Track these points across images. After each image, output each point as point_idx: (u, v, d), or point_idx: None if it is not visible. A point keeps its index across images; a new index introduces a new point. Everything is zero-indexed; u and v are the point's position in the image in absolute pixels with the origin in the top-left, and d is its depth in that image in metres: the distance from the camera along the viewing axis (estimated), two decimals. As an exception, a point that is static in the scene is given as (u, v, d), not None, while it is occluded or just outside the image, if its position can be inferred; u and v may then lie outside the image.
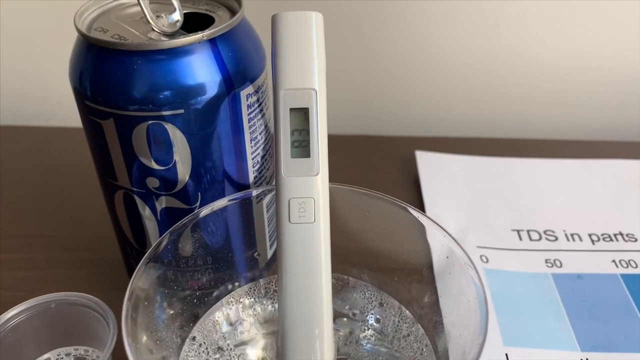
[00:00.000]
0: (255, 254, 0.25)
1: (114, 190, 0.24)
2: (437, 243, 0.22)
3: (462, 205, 0.35)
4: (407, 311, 0.23)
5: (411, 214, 0.22)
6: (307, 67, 0.19)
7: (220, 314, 0.23)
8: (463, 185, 0.36)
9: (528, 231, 0.33)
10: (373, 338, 0.22)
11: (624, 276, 0.30)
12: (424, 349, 0.22)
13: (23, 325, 0.23)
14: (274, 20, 0.20)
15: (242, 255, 0.24)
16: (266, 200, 0.25)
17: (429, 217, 0.22)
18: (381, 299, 0.23)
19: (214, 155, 0.23)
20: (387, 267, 0.23)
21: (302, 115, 0.19)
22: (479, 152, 0.39)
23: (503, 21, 0.40)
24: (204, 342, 0.22)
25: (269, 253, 0.26)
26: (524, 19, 0.40)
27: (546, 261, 0.31)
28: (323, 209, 0.20)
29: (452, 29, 0.40)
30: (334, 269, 0.20)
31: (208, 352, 0.22)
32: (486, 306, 0.19)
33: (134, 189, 0.23)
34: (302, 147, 0.19)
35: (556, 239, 0.32)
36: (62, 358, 0.25)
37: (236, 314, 0.23)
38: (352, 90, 0.43)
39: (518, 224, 0.33)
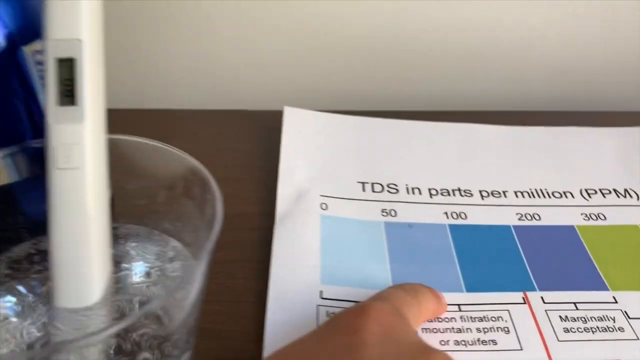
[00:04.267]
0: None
1: None
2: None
3: (316, 158, 0.35)
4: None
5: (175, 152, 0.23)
6: (74, 18, 0.20)
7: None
8: (321, 140, 0.37)
9: (372, 184, 0.34)
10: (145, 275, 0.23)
11: (452, 226, 0.31)
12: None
13: None
14: None
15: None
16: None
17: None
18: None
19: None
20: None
21: (68, 65, 0.20)
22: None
23: None
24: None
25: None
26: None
27: (382, 210, 0.32)
28: (91, 155, 0.20)
29: None
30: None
31: None
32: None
33: None
34: (68, 96, 0.20)
35: (397, 191, 0.34)
36: None
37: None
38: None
39: (364, 177, 0.34)
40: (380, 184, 0.34)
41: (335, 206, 0.32)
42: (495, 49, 0.44)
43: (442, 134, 0.38)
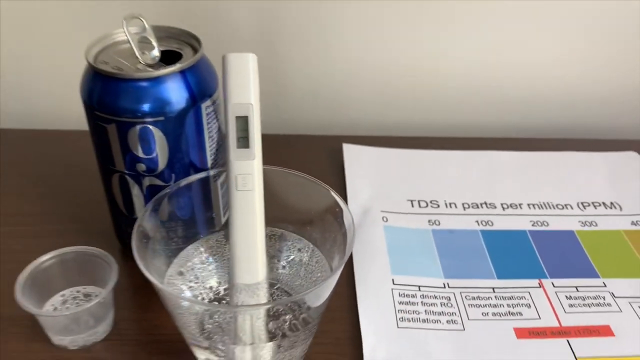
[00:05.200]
0: (213, 214, 0.35)
1: (112, 173, 0.34)
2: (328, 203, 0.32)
3: (374, 182, 0.46)
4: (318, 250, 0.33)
5: (318, 184, 0.33)
6: (245, 88, 0.30)
7: (192, 251, 0.33)
8: (375, 168, 0.47)
9: (419, 201, 0.44)
10: (293, 267, 0.33)
11: (482, 231, 0.42)
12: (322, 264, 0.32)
13: (50, 268, 0.33)
14: (224, 58, 0.30)
15: (203, 216, 0.34)
16: (220, 179, 0.35)
17: (333, 191, 0.32)
18: (299, 243, 0.34)
19: (182, 148, 0.33)
20: (302, 221, 0.34)
21: (244, 120, 0.30)
22: (392, 145, 0.50)
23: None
24: (182, 270, 0.32)
25: (222, 216, 0.36)
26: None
27: (428, 221, 0.43)
28: (258, 181, 0.30)
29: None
30: (269, 224, 0.31)
31: (183, 274, 0.32)
32: (353, 231, 0.29)
33: (127, 172, 0.33)
34: (244, 141, 0.30)
35: (438, 206, 0.44)
36: (74, 294, 0.35)
37: (201, 254, 0.34)
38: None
39: (412, 196, 0.45)
40: (425, 201, 0.44)
41: (393, 218, 0.43)
42: (511, 88, 0.55)
43: (470, 160, 0.49)
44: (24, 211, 0.42)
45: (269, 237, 0.33)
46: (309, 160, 0.49)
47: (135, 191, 0.34)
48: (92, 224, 0.41)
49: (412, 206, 0.44)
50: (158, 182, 0.34)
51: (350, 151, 0.49)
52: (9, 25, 0.50)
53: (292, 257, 0.33)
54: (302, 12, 0.50)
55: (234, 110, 0.29)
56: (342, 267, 0.28)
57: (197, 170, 0.34)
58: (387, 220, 0.42)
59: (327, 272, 0.32)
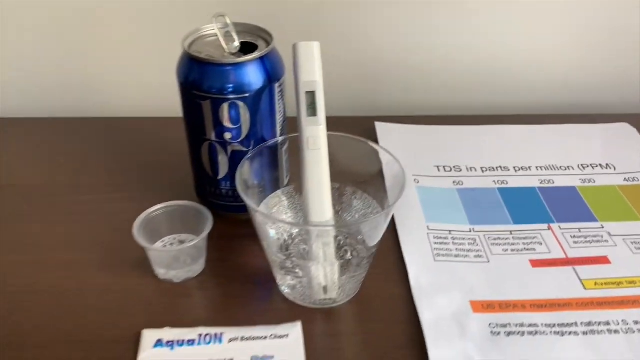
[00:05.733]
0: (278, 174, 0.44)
1: (202, 142, 0.42)
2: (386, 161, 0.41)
3: (405, 153, 0.53)
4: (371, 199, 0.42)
5: (370, 145, 0.41)
6: (312, 69, 0.38)
7: (273, 199, 0.42)
8: (406, 142, 0.56)
9: (444, 166, 0.53)
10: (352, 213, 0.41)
11: (499, 189, 0.50)
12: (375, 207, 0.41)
13: (157, 218, 0.41)
14: (295, 46, 0.37)
15: (272, 175, 0.43)
16: (285, 146, 0.43)
17: (383, 148, 0.41)
18: (354, 192, 0.42)
19: (259, 120, 0.41)
20: (359, 176, 0.42)
21: (312, 94, 0.38)
22: (418, 123, 0.58)
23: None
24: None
25: (285, 177, 0.45)
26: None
27: (453, 182, 0.51)
28: (324, 142, 0.38)
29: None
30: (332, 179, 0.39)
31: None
32: (404, 179, 0.38)
33: (216, 140, 0.42)
34: (312, 110, 0.38)
35: (460, 170, 0.52)
36: (172, 241, 0.43)
37: (274, 202, 0.42)
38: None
39: (438, 163, 0.53)
40: (449, 166, 0.53)
41: (423, 181, 0.51)
42: (519, 69, 0.63)
43: (485, 133, 0.57)
44: (120, 182, 0.51)
45: (333, 191, 0.42)
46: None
47: (221, 156, 0.42)
48: (176, 188, 0.48)
49: (439, 171, 0.52)
50: (240, 148, 0.42)
51: (382, 128, 0.57)
52: (109, 25, 0.59)
53: (353, 206, 0.42)
54: (340, 9, 0.59)
55: (304, 86, 0.37)
56: (395, 204, 0.36)
57: (269, 138, 0.42)
58: (418, 182, 0.51)
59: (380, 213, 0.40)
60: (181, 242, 0.43)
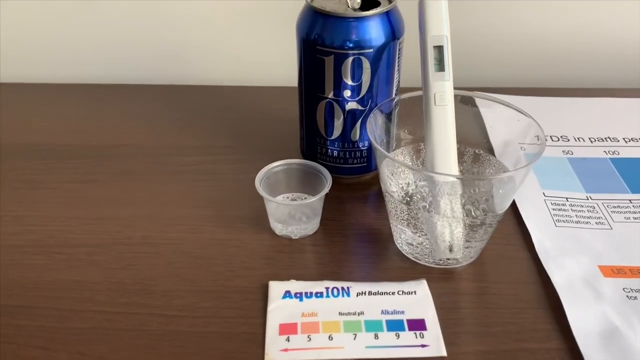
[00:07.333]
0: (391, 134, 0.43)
1: (319, 100, 0.42)
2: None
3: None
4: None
5: (507, 105, 0.40)
6: (440, 24, 0.37)
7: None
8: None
9: (550, 136, 0.51)
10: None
11: (611, 159, 0.48)
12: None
13: (277, 174, 0.41)
14: (422, 2, 0.37)
15: (388, 135, 0.42)
16: (399, 106, 0.42)
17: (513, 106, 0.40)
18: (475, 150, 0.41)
19: (380, 77, 0.41)
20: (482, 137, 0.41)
21: (439, 49, 0.37)
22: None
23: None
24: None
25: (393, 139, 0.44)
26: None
27: (562, 151, 0.49)
28: (450, 98, 0.37)
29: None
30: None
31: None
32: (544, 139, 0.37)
33: (334, 98, 0.41)
34: (440, 65, 0.37)
35: (568, 140, 0.51)
36: (288, 197, 0.43)
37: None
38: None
39: (545, 132, 0.51)
40: (556, 136, 0.51)
41: (531, 149, 0.49)
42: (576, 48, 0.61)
43: (590, 104, 0.56)
44: (224, 144, 0.51)
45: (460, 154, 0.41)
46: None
47: (337, 116, 0.42)
48: (281, 152, 0.48)
49: (546, 140, 0.51)
50: (358, 106, 0.41)
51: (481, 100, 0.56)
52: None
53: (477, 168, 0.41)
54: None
55: (432, 41, 0.37)
56: (529, 167, 0.35)
57: (386, 97, 0.42)
58: (525, 150, 0.49)
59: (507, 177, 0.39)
60: (293, 199, 0.43)
